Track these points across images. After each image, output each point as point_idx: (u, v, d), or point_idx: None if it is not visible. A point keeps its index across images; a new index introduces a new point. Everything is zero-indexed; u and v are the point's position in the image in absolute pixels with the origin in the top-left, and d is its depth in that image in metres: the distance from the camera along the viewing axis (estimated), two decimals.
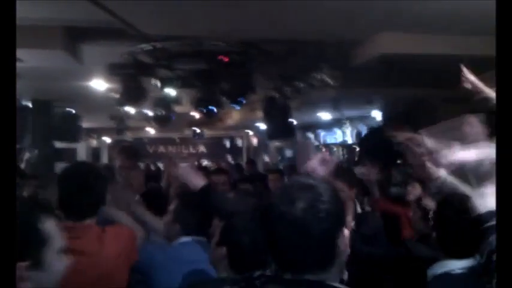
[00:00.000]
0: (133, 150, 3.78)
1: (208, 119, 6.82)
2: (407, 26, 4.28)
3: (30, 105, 8.06)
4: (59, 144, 8.92)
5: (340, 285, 1.04)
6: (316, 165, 1.80)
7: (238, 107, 5.15)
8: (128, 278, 1.86)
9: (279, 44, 4.80)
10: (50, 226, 1.10)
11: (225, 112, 11.13)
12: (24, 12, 3.57)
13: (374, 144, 6.46)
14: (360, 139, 9.17)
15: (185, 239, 2.27)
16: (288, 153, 13.58)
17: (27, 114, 7.94)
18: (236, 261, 1.67)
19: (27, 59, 4.21)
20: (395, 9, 3.87)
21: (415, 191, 3.10)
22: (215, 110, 5.24)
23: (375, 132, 6.96)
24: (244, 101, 4.69)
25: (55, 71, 5.59)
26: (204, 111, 5.26)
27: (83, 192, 1.75)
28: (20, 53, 4.06)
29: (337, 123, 10.64)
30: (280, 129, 6.07)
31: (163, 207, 2.78)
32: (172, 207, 2.45)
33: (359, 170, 3.65)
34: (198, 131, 13.06)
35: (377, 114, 8.58)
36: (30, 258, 1.04)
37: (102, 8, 3.59)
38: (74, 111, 9.19)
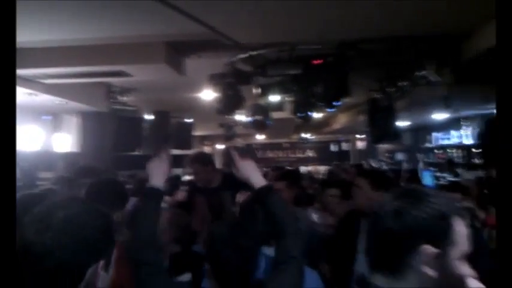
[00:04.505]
0: (205, 158, 3.82)
1: (306, 124, 6.77)
2: None
3: (152, 116, 8.87)
4: (174, 151, 9.64)
5: None
6: None
7: (333, 110, 5.01)
8: None
9: (379, 43, 4.58)
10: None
11: (330, 116, 10.98)
12: (128, 31, 3.95)
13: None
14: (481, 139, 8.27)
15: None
16: (399, 156, 12.89)
17: (148, 125, 8.74)
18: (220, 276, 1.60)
19: (135, 73, 4.63)
20: None
21: None
22: (311, 114, 5.17)
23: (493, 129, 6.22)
24: (338, 104, 4.53)
25: (170, 84, 6.07)
26: (300, 116, 5.22)
27: None
28: (128, 68, 4.51)
29: (452, 123, 9.77)
30: (384, 131, 5.75)
31: None
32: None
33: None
34: (303, 135, 13.06)
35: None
36: (106, 260, 1.12)
37: (200, 22, 3.80)
38: (187, 121, 9.89)
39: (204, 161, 3.78)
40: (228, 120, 10.05)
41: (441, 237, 1.01)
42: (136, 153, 7.38)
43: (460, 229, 1.04)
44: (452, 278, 1.01)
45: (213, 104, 7.65)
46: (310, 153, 16.74)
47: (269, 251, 1.90)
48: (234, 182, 3.86)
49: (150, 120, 8.83)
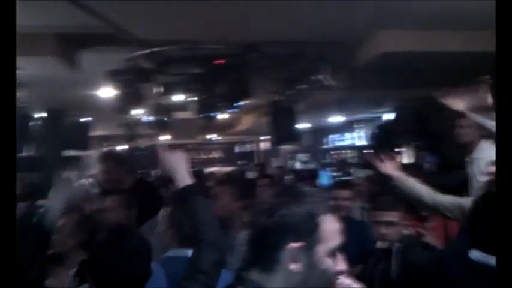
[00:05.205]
0: (120, 157, 3.62)
1: (210, 124, 6.75)
2: (410, 23, 4.15)
3: (44, 114, 8.16)
4: (70, 153, 8.96)
5: None
6: None
7: (235, 111, 5.07)
8: None
9: (281, 46, 4.71)
10: None
11: (235, 117, 11.08)
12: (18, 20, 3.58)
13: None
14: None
15: (177, 251, 2.04)
16: (301, 157, 13.45)
17: (41, 123, 8.05)
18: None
19: (21, 66, 4.21)
20: (397, 6, 3.75)
21: None
22: (213, 115, 5.17)
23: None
24: (240, 106, 4.59)
25: (64, 79, 5.59)
26: (204, 116, 5.19)
27: None
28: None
29: (346, 126, 10.50)
30: (285, 133, 5.95)
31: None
32: (165, 210, 2.30)
33: None
34: (208, 137, 13.03)
35: (388, 116, 8.39)
36: None
37: (95, 14, 3.57)
38: (83, 120, 9.27)
39: (117, 159, 3.55)
40: (129, 120, 9.62)
41: (309, 234, 1.05)
42: (24, 154, 6.76)
43: (329, 226, 1.08)
44: (319, 272, 1.06)
45: (112, 102, 7.30)
46: (215, 155, 16.80)
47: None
48: (145, 188, 3.72)
49: (42, 118, 8.14)
